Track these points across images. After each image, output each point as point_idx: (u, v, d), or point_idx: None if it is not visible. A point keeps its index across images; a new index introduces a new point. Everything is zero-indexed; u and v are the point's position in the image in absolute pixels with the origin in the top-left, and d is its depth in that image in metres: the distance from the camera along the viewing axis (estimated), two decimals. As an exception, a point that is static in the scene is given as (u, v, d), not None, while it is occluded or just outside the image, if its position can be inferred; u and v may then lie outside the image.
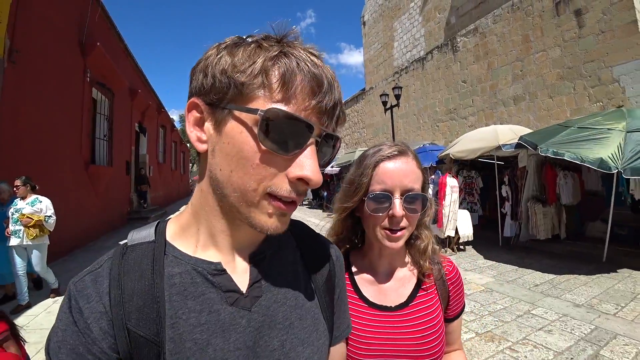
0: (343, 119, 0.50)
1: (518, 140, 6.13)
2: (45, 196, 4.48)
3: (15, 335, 1.43)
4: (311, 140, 0.45)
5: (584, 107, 8.19)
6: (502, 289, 4.60)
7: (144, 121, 13.68)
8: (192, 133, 0.48)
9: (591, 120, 5.72)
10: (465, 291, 0.99)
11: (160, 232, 0.52)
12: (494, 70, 10.79)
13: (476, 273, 5.41)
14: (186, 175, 31.02)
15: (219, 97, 0.44)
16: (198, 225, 0.51)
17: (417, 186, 0.80)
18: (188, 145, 31.17)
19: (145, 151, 14.14)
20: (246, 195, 0.45)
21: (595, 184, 7.05)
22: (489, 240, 7.48)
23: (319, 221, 0.97)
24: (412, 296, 0.86)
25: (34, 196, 4.38)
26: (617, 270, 5.15)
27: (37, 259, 4.33)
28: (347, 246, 0.96)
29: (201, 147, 0.48)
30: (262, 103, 0.43)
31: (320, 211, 14.88)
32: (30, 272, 4.48)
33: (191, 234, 0.51)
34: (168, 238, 0.51)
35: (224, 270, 0.49)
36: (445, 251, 6.64)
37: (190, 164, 36.23)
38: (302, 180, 0.44)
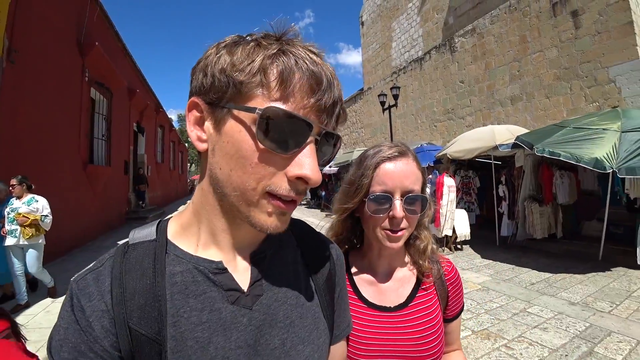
0: (344, 117, 0.50)
1: (515, 140, 6.18)
2: (43, 196, 4.45)
3: (16, 333, 1.45)
4: (310, 138, 0.44)
5: (581, 108, 8.25)
6: (498, 288, 4.64)
7: (142, 121, 13.64)
8: (193, 132, 0.48)
9: (587, 121, 5.78)
10: None
11: (162, 230, 0.52)
12: (491, 70, 10.84)
13: (473, 272, 5.45)
14: (184, 175, 30.96)
15: (218, 96, 0.44)
16: (199, 224, 0.51)
17: (417, 187, 0.81)
18: (186, 145, 31.14)
19: (144, 151, 14.10)
20: (246, 194, 0.45)
21: (592, 183, 7.11)
22: (486, 239, 7.53)
23: (319, 221, 0.96)
24: (412, 296, 0.86)
25: (30, 195, 4.35)
26: (613, 269, 5.21)
27: (34, 259, 4.29)
28: (346, 246, 0.95)
29: (201, 146, 0.48)
30: (261, 102, 0.42)
31: (318, 211, 14.88)
32: (25, 273, 4.43)
33: (192, 233, 0.52)
34: (169, 237, 0.51)
35: (225, 269, 0.50)
36: (443, 250, 6.68)
37: (189, 164, 36.15)
38: (301, 179, 0.44)
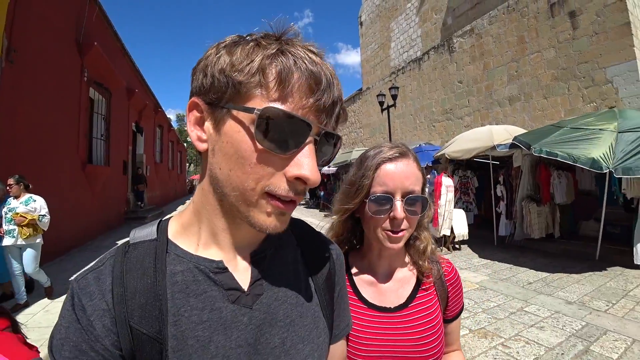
0: (344, 117, 0.50)
1: (512, 140, 6.21)
2: (42, 196, 4.42)
3: (16, 332, 1.46)
4: (309, 139, 0.44)
5: (578, 108, 8.29)
6: (496, 287, 4.66)
7: (141, 121, 13.61)
8: (193, 132, 0.48)
9: (584, 121, 5.80)
10: None
11: (162, 230, 0.52)
12: (489, 70, 10.88)
13: (471, 271, 5.47)
14: (183, 175, 30.90)
15: (218, 97, 0.44)
16: (200, 223, 0.51)
17: (418, 188, 0.81)
18: (185, 144, 31.09)
19: (142, 151, 14.08)
20: (245, 194, 0.45)
21: (589, 183, 7.13)
22: (484, 239, 7.56)
23: (319, 222, 0.96)
24: (412, 297, 0.86)
25: (27, 195, 4.32)
26: (610, 268, 5.24)
27: (31, 258, 4.25)
28: (346, 247, 0.95)
29: (201, 146, 0.48)
30: (260, 102, 0.42)
31: (317, 210, 14.89)
32: (23, 273, 4.39)
33: (193, 233, 0.52)
34: (170, 236, 0.51)
35: (226, 269, 0.50)
36: (441, 250, 6.70)
37: (187, 164, 36.10)
38: (299, 179, 0.44)
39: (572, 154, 5.04)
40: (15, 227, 4.11)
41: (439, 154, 8.16)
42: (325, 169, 13.85)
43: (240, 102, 0.43)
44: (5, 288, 4.53)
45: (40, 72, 6.26)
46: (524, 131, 7.29)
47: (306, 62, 0.43)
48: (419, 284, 0.88)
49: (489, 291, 4.52)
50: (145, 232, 0.51)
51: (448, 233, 6.71)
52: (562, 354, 2.89)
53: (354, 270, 0.91)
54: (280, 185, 0.44)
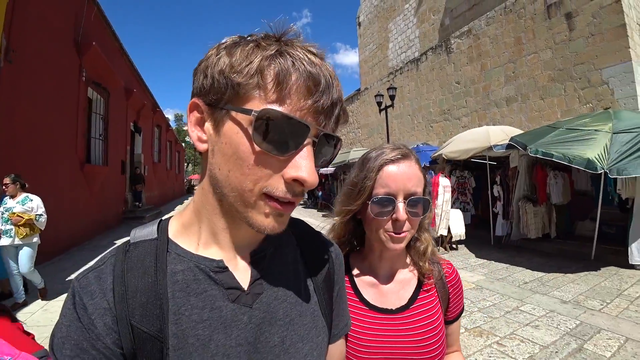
0: (344, 119, 0.49)
1: (509, 141, 6.25)
2: (40, 195, 4.38)
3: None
4: (307, 140, 0.44)
5: (574, 109, 8.35)
6: (492, 287, 4.70)
7: (139, 120, 13.58)
8: (193, 133, 0.48)
9: (579, 122, 5.85)
10: None
11: (163, 229, 0.52)
12: (487, 71, 10.93)
13: (467, 271, 5.50)
14: (181, 175, 30.84)
15: (218, 98, 0.44)
16: (200, 223, 0.51)
17: (420, 190, 0.80)
18: (183, 144, 31.04)
19: (141, 151, 14.05)
20: (243, 195, 0.45)
21: (585, 183, 7.19)
22: (481, 239, 7.61)
23: (319, 222, 0.96)
24: (413, 298, 0.86)
25: (24, 194, 4.27)
26: (604, 268, 5.29)
27: (26, 258, 4.20)
28: (347, 249, 0.94)
29: (201, 146, 0.48)
30: (258, 104, 0.42)
31: (315, 210, 14.91)
32: (22, 272, 4.40)
33: (193, 232, 0.52)
34: (170, 236, 0.52)
35: (226, 268, 0.50)
36: (438, 250, 6.74)
37: (186, 164, 36.05)
38: (297, 181, 0.44)
39: (567, 154, 5.08)
40: (12, 227, 4.07)
41: (436, 154, 8.20)
42: (323, 169, 13.79)
43: (239, 103, 0.43)
44: (3, 287, 4.50)
45: (39, 72, 6.25)
46: (521, 132, 7.34)
47: (305, 63, 0.43)
48: (420, 285, 0.88)
49: (485, 290, 4.56)
50: (146, 232, 0.52)
51: (445, 233, 6.74)
52: (556, 352, 2.92)
53: (355, 271, 0.90)
54: (278, 186, 0.44)
